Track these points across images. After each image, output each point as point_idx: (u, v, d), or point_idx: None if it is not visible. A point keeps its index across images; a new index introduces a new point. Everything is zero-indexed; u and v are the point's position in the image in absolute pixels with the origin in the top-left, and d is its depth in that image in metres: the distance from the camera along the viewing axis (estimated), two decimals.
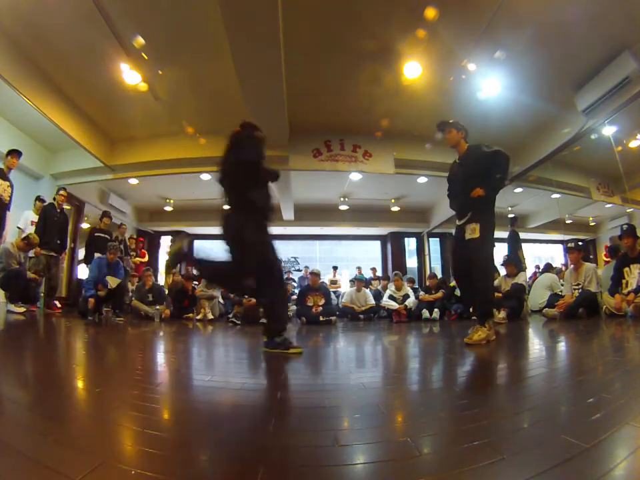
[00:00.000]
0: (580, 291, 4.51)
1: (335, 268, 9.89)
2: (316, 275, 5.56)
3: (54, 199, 5.15)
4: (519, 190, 7.60)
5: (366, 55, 4.23)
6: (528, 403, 1.20)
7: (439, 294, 5.55)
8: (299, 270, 11.02)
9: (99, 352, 2.46)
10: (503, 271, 5.31)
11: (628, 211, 8.52)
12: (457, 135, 2.91)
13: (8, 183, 4.32)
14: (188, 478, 0.71)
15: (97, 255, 5.62)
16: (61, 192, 5.19)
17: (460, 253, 2.80)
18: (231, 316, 5.09)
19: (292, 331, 4.19)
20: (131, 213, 9.20)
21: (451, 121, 2.94)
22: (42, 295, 5.02)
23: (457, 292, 5.56)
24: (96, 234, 6.03)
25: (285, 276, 10.08)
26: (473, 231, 2.64)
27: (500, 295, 4.80)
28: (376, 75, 4.52)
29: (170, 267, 2.52)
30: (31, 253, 4.71)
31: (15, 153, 4.40)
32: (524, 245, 7.06)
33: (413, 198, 8.94)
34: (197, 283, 7.00)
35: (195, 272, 4.14)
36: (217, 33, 3.67)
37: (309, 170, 6.17)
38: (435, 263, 10.77)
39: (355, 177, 7.14)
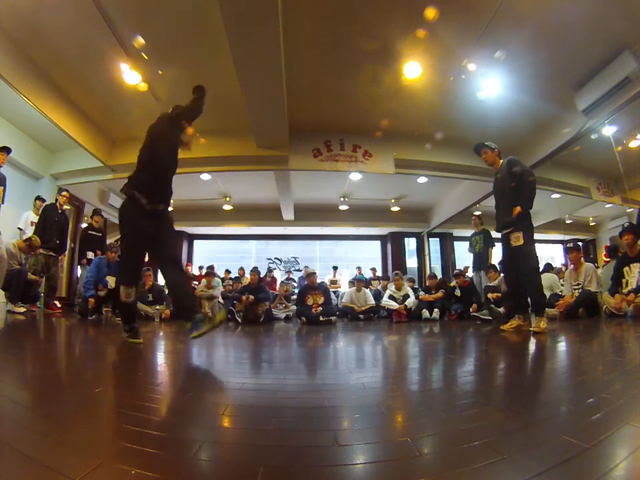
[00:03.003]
0: (580, 290, 4.51)
1: (335, 268, 9.90)
2: (312, 274, 5.60)
3: (56, 199, 5.15)
4: None
5: (366, 54, 4.22)
6: (528, 403, 1.20)
7: (439, 294, 5.55)
8: (298, 270, 11.02)
9: (98, 352, 2.46)
10: None
11: (628, 210, 8.51)
12: (492, 154, 3.31)
13: None
14: (188, 478, 0.71)
15: (89, 254, 5.63)
16: (64, 192, 5.20)
17: (507, 257, 3.28)
18: (234, 308, 5.14)
19: (292, 331, 4.19)
20: None
21: (485, 143, 3.33)
22: (42, 295, 5.02)
23: (457, 292, 5.57)
24: (89, 232, 5.98)
25: (285, 276, 10.09)
26: (517, 239, 3.07)
27: (499, 294, 4.81)
28: (376, 75, 4.52)
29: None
30: None
31: (4, 150, 4.34)
32: None
33: (413, 198, 8.94)
34: (197, 283, 7.00)
35: None
36: (217, 32, 3.67)
37: (309, 170, 6.17)
38: (434, 263, 10.78)
39: (355, 176, 7.14)
